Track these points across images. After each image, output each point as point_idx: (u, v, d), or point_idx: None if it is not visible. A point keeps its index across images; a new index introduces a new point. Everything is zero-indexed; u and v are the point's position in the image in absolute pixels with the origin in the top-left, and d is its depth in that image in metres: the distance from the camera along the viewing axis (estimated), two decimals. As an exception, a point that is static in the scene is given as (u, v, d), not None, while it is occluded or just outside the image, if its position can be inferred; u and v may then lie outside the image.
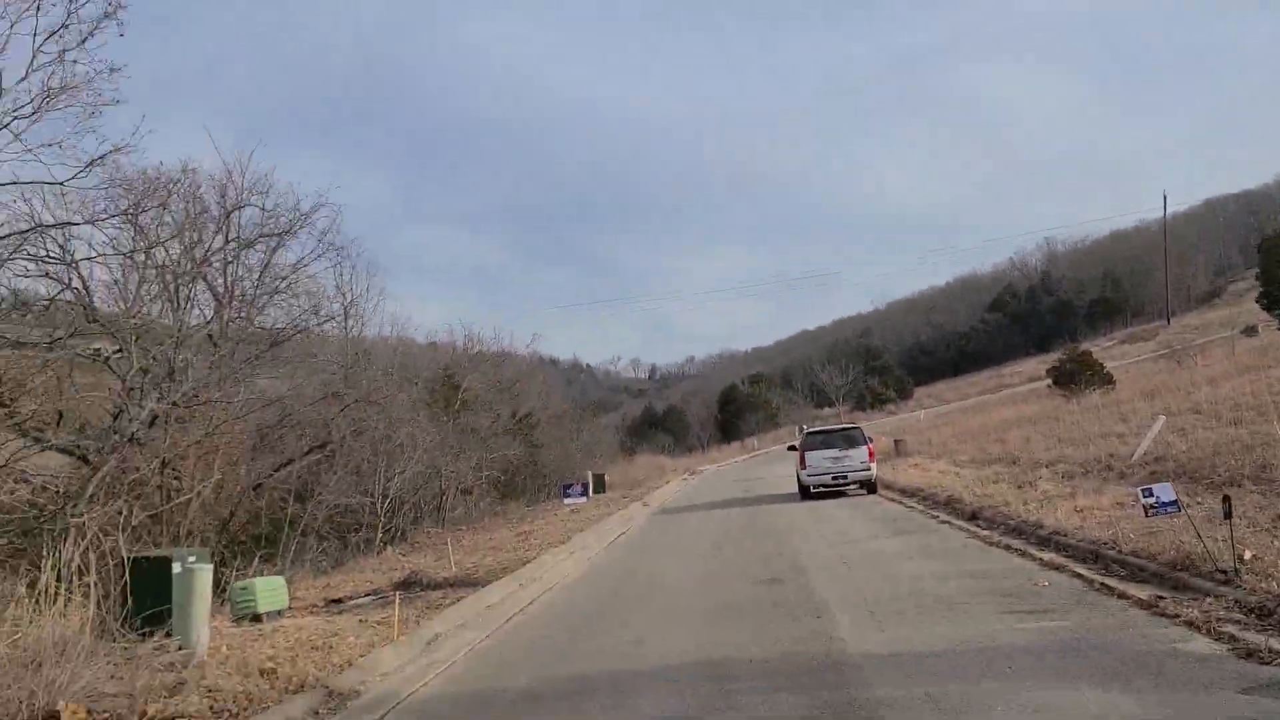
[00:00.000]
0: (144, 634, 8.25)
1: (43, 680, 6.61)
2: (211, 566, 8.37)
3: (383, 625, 9.31)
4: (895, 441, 34.41)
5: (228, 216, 25.03)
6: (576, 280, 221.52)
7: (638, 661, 7.81)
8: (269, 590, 9.89)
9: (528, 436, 37.83)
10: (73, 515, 14.09)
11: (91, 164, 14.49)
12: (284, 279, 23.79)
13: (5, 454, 16.15)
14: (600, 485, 33.19)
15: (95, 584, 8.51)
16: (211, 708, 6.40)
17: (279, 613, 9.92)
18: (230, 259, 24.54)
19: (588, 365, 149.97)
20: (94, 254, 18.30)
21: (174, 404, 15.87)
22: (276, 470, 22.32)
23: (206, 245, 22.64)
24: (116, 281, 22.38)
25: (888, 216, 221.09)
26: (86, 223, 15.07)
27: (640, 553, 16.71)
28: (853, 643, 7.59)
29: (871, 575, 11.15)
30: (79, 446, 18.96)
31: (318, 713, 6.62)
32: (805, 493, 24.47)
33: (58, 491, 17.84)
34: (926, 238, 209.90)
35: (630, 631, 9.17)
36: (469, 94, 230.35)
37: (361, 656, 7.97)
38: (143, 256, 20.67)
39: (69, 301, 21.31)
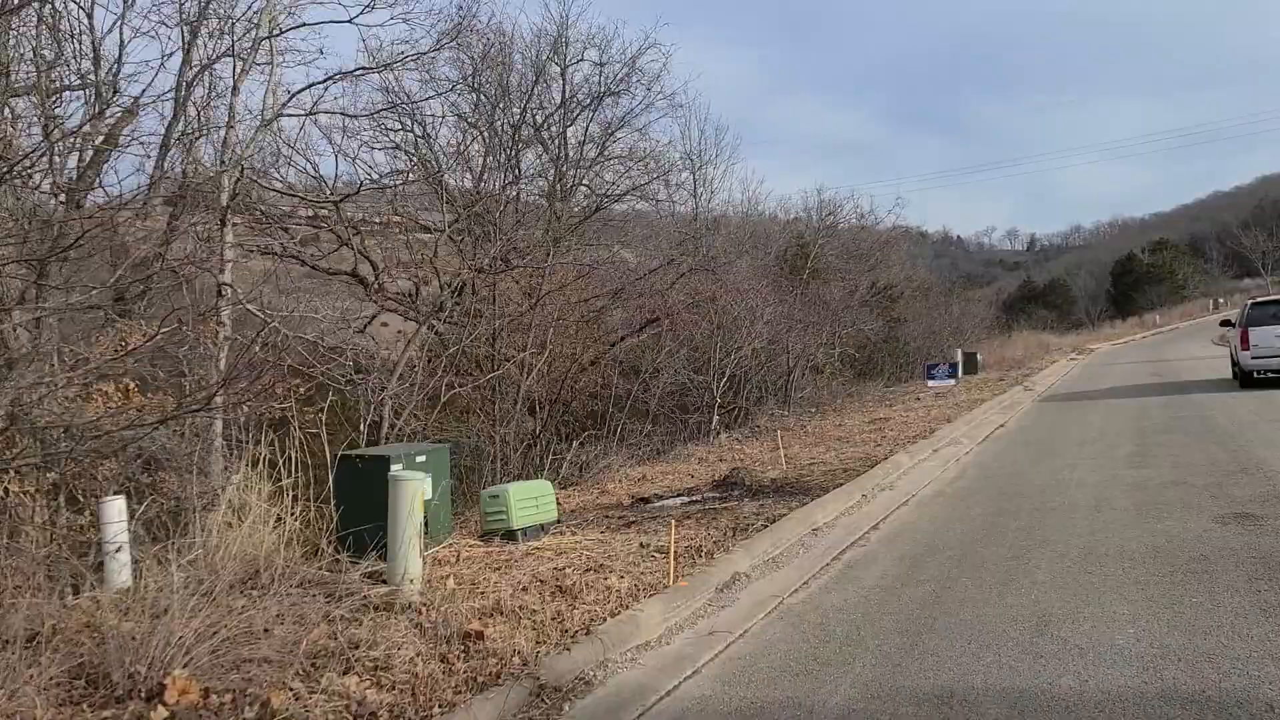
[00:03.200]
0: (354, 559, 6.34)
1: (160, 636, 4.71)
2: (427, 476, 6.20)
3: (666, 557, 6.80)
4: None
5: (563, 74, 23.67)
6: (946, 150, 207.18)
7: (1044, 668, 4.65)
8: (528, 500, 7.65)
9: (887, 310, 34.04)
10: (376, 390, 13.02)
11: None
12: (612, 134, 21.90)
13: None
14: (972, 365, 28.97)
15: (299, 486, 6.69)
16: (358, 706, 4.15)
17: (541, 528, 7.72)
18: (568, 122, 23.29)
19: (958, 237, 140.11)
20: (426, 96, 17.22)
21: (479, 270, 14.28)
22: (611, 346, 20.85)
23: (536, 103, 21.30)
24: (460, 150, 21.87)
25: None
26: (381, 68, 13.48)
27: (1028, 454, 12.98)
28: None
29: None
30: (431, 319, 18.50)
31: (509, 729, 4.19)
32: (1247, 379, 19.33)
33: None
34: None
35: (1025, 598, 5.92)
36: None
37: (613, 615, 5.46)
38: (471, 110, 19.58)
39: (420, 173, 21.00)
